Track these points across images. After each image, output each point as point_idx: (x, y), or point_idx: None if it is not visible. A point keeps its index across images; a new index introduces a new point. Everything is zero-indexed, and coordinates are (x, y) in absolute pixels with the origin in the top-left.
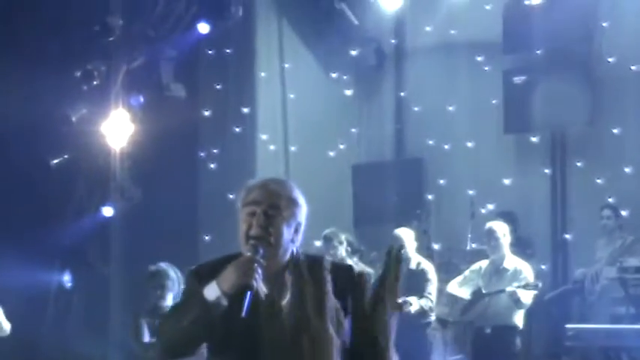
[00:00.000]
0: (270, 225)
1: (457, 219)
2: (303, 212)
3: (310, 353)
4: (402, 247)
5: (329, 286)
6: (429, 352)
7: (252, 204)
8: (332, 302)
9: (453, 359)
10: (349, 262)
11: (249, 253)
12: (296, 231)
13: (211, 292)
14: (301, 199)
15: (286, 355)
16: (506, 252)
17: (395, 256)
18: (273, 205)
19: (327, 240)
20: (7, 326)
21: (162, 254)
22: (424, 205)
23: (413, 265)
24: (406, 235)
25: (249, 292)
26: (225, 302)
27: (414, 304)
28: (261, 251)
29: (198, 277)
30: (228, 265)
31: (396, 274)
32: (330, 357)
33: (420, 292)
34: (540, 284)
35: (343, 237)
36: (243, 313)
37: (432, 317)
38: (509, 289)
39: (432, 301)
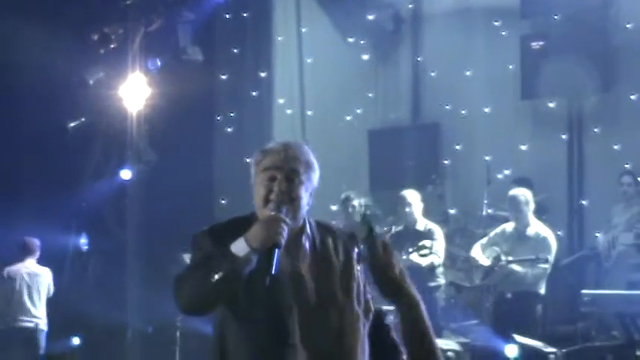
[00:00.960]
0: (291, 190)
1: (473, 184)
2: (317, 176)
3: (338, 329)
4: (366, 207)
5: (355, 264)
6: (439, 316)
7: (273, 169)
8: (358, 280)
9: (468, 324)
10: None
11: (272, 213)
12: (310, 195)
13: (240, 248)
14: (316, 164)
15: (313, 327)
16: (530, 218)
17: (364, 219)
18: (294, 169)
19: (345, 203)
20: (52, 289)
21: (178, 218)
22: (440, 170)
23: (420, 227)
24: (411, 197)
25: (277, 250)
26: (253, 258)
27: (424, 260)
28: (284, 210)
29: (213, 237)
30: (256, 223)
31: (371, 238)
32: (357, 335)
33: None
34: (550, 258)
35: (360, 201)
36: (273, 270)
37: (441, 280)
38: (512, 266)
39: (439, 257)
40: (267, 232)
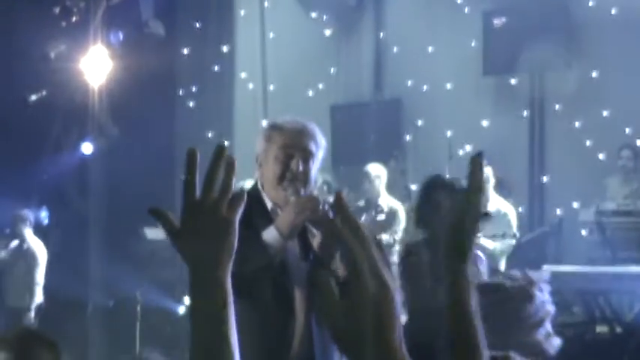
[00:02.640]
0: (307, 171)
1: (435, 160)
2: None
3: None
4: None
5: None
6: None
7: (291, 147)
8: None
9: None
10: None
11: (292, 198)
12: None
13: (272, 237)
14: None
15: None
16: (491, 194)
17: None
18: (311, 151)
19: (325, 184)
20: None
21: (140, 192)
22: (402, 146)
23: (382, 203)
24: (376, 171)
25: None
26: (285, 246)
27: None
28: (302, 193)
29: None
30: (286, 209)
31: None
32: None
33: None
34: (518, 234)
35: (321, 178)
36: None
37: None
38: (481, 241)
39: (394, 240)
40: (301, 216)
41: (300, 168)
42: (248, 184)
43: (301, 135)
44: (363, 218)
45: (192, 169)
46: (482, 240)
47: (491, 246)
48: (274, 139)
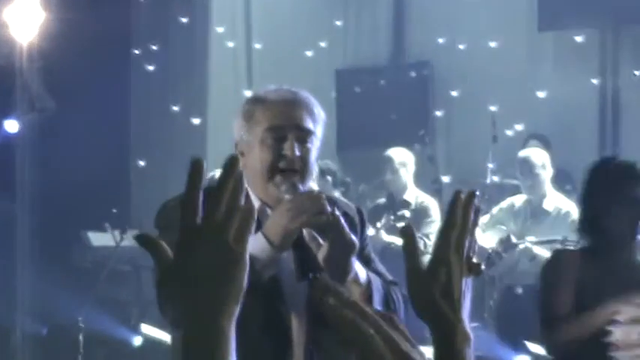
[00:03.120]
0: (306, 155)
1: (474, 143)
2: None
3: None
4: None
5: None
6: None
7: (282, 126)
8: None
9: None
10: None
11: (286, 196)
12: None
13: (259, 247)
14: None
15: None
16: (548, 189)
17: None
18: (308, 128)
19: (322, 174)
20: None
21: (83, 185)
22: (431, 124)
23: (410, 198)
24: (401, 157)
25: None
26: (277, 259)
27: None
28: (300, 188)
29: None
30: (276, 211)
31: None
32: None
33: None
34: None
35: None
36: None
37: None
38: (535, 248)
39: (425, 244)
40: (298, 220)
41: (297, 152)
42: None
43: (293, 107)
44: (382, 221)
45: (195, 185)
46: (535, 248)
47: (547, 254)
48: (257, 116)
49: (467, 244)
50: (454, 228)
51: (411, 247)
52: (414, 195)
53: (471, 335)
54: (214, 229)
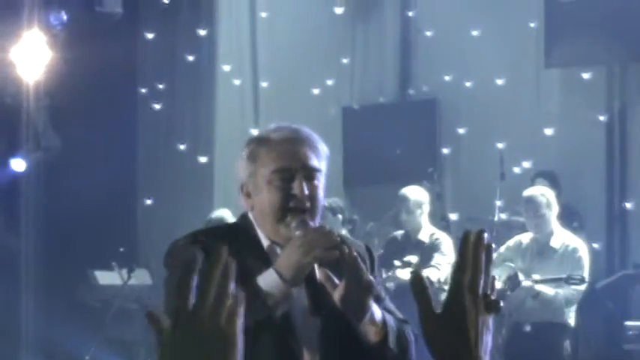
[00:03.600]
0: (314, 193)
1: (482, 180)
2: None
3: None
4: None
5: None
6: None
7: (288, 166)
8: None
9: None
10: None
11: (297, 232)
12: None
13: (270, 283)
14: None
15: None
16: (554, 226)
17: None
18: (314, 166)
19: (332, 212)
20: None
21: (89, 223)
22: (438, 162)
23: (424, 237)
24: (416, 196)
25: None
26: (289, 295)
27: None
28: (311, 224)
29: (204, 251)
30: (289, 246)
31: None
32: None
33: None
34: (587, 277)
35: (341, 205)
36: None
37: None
38: (538, 286)
39: (439, 271)
40: (310, 255)
41: (306, 191)
42: (226, 214)
43: (297, 146)
44: (395, 263)
45: (190, 273)
46: (538, 286)
47: (552, 292)
48: (262, 158)
49: (481, 282)
50: (466, 270)
51: (421, 293)
52: (428, 233)
53: None
54: (206, 313)
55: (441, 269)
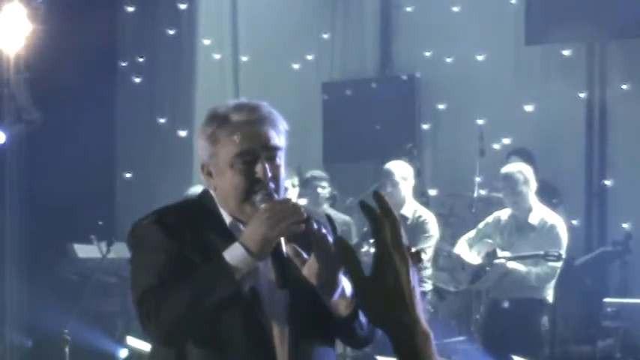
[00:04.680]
0: (277, 173)
1: (461, 156)
2: None
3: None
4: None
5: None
6: None
7: (250, 149)
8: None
9: (452, 341)
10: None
11: (263, 205)
12: None
13: (237, 257)
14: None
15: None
16: (532, 203)
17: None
18: (275, 146)
19: (308, 185)
20: None
21: (69, 196)
22: (418, 138)
23: (407, 212)
24: (401, 171)
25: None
26: (256, 269)
27: None
28: (276, 197)
29: (164, 228)
30: (254, 219)
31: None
32: None
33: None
34: (563, 254)
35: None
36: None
37: (428, 286)
38: (509, 263)
39: (425, 254)
40: (277, 228)
41: (269, 173)
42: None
43: (258, 127)
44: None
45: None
46: (510, 263)
47: (524, 270)
48: (222, 140)
49: (403, 234)
50: (383, 225)
51: (349, 258)
52: (412, 209)
53: (431, 332)
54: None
55: (426, 253)
